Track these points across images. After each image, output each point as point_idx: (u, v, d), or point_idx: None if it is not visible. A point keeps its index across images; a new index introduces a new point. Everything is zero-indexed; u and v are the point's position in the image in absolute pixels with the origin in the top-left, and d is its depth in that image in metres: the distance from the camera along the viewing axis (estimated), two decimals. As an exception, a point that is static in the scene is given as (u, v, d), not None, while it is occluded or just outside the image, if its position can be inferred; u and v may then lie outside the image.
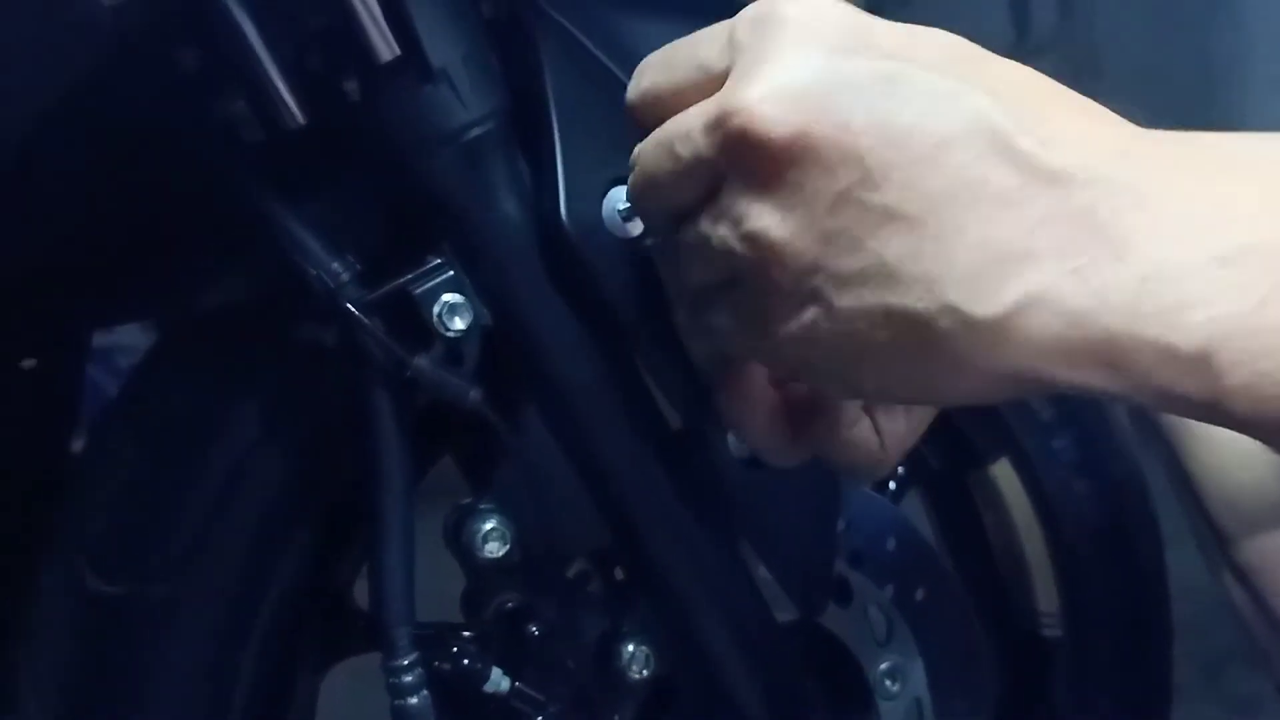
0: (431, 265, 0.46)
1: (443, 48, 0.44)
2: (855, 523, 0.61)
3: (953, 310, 0.31)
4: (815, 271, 0.33)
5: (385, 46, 0.43)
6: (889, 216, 0.31)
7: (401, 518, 0.47)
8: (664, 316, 0.42)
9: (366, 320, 0.45)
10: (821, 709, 0.59)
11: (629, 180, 0.39)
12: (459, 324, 0.46)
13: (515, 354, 0.48)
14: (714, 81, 0.35)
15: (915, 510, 0.73)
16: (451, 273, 0.46)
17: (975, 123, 0.31)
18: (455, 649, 0.50)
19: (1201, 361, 0.28)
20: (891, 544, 0.62)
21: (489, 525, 0.48)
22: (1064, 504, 0.69)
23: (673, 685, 0.54)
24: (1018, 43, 1.87)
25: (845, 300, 0.32)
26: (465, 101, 0.45)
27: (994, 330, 0.30)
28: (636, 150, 0.38)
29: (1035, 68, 0.33)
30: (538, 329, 0.48)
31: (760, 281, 0.34)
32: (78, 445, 0.56)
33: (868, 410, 0.41)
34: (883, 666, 0.62)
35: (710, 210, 0.35)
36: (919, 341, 0.32)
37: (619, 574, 0.54)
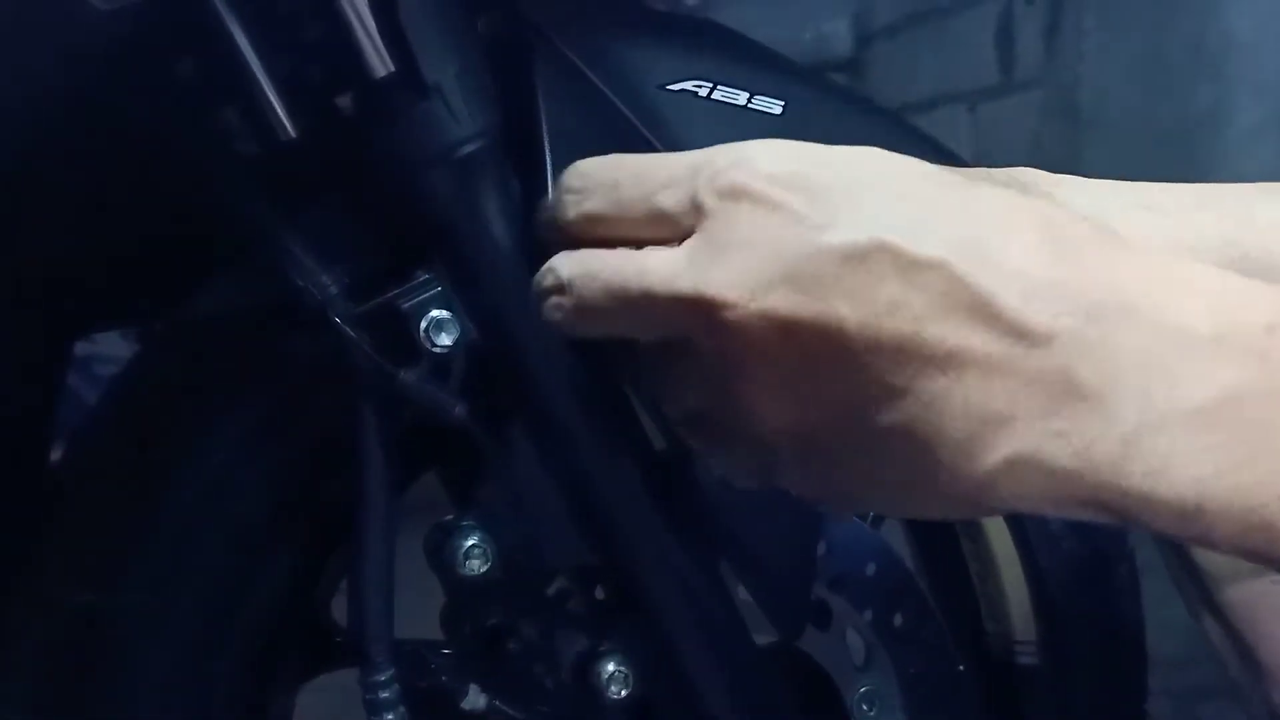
0: (420, 280, 0.46)
1: (437, 64, 0.44)
2: (835, 547, 0.61)
3: (949, 467, 0.32)
4: (811, 437, 0.34)
5: (380, 62, 0.43)
6: (879, 390, 0.32)
7: (382, 533, 0.47)
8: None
9: (353, 333, 0.45)
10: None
11: (556, 283, 0.37)
12: (446, 340, 0.46)
13: (501, 371, 0.48)
14: (669, 227, 0.35)
15: (895, 536, 0.73)
16: (440, 289, 0.46)
17: (954, 294, 0.31)
18: (433, 666, 0.49)
19: (1190, 512, 0.29)
20: (871, 569, 0.62)
21: (470, 542, 0.48)
22: (1042, 532, 0.70)
23: (651, 706, 0.53)
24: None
25: (848, 458, 0.34)
26: (458, 118, 0.45)
27: (984, 485, 0.32)
28: (567, 271, 0.37)
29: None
30: (524, 347, 0.47)
31: (746, 436, 0.35)
32: (55, 454, 0.56)
33: None
34: (861, 690, 0.62)
35: (679, 367, 0.35)
36: (919, 489, 0.33)
37: (599, 593, 0.54)
